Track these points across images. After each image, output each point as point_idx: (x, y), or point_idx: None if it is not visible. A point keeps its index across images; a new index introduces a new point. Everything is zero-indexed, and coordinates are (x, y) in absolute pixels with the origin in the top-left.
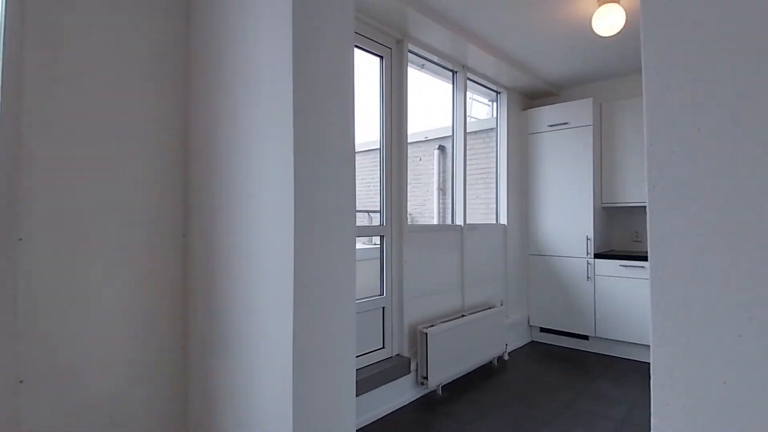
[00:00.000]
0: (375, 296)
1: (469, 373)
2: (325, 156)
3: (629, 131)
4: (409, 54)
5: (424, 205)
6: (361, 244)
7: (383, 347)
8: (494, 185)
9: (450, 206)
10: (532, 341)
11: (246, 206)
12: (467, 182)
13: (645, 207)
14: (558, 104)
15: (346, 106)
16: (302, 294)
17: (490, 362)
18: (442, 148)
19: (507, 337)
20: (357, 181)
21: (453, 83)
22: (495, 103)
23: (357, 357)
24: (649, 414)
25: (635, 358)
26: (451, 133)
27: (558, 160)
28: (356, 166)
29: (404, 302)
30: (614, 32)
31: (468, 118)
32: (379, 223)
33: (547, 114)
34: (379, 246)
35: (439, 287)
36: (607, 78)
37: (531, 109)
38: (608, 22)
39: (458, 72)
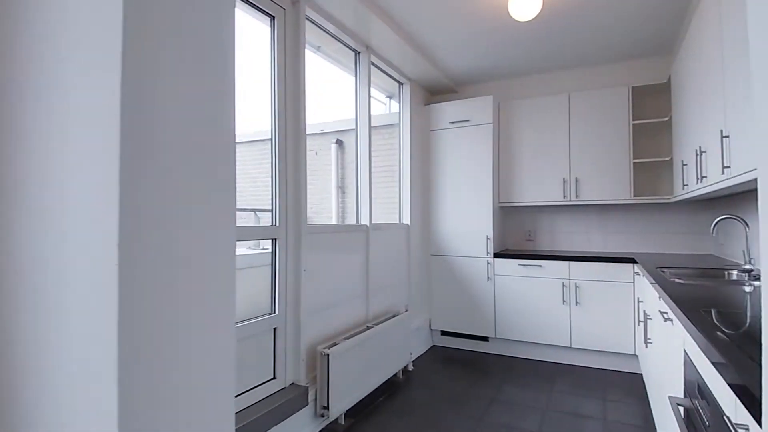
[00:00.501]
0: (264, 315)
1: (374, 392)
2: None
3: (525, 131)
4: (307, 29)
5: (321, 204)
6: (244, 249)
7: (274, 377)
8: (396, 183)
9: (350, 206)
10: (434, 346)
11: (39, 195)
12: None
13: (539, 207)
14: (460, 100)
15: (218, 74)
16: (135, 328)
17: (395, 375)
18: (340, 143)
19: (411, 344)
20: (241, 176)
21: (356, 66)
22: (396, 98)
23: (237, 396)
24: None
25: (534, 358)
26: (349, 127)
27: (459, 158)
28: (239, 158)
29: (302, 319)
30: (531, 16)
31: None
32: (270, 224)
33: (449, 110)
34: (270, 251)
35: (343, 297)
36: (505, 77)
37: (433, 105)
38: (525, 3)
39: (362, 53)
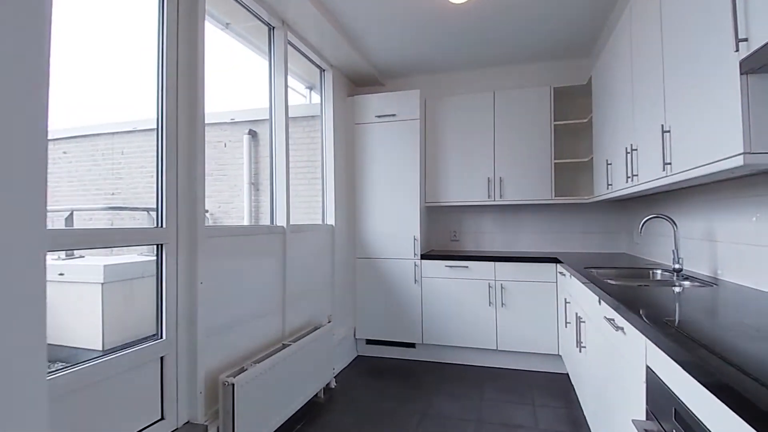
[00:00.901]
0: (146, 341)
1: (291, 419)
2: None
3: (452, 129)
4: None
5: (231, 203)
6: (134, 255)
7: (162, 418)
8: (319, 181)
9: (266, 204)
10: (359, 356)
11: None
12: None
13: (464, 207)
14: (386, 93)
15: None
16: None
17: (316, 396)
18: (253, 134)
19: (335, 358)
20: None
21: (270, 44)
22: (317, 89)
23: None
24: None
25: (462, 362)
26: (265, 117)
27: (387, 155)
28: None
29: (199, 343)
30: None
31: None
32: (155, 225)
33: (375, 102)
34: (155, 259)
35: (254, 312)
36: (432, 72)
37: (358, 96)
38: None
39: (276, 29)
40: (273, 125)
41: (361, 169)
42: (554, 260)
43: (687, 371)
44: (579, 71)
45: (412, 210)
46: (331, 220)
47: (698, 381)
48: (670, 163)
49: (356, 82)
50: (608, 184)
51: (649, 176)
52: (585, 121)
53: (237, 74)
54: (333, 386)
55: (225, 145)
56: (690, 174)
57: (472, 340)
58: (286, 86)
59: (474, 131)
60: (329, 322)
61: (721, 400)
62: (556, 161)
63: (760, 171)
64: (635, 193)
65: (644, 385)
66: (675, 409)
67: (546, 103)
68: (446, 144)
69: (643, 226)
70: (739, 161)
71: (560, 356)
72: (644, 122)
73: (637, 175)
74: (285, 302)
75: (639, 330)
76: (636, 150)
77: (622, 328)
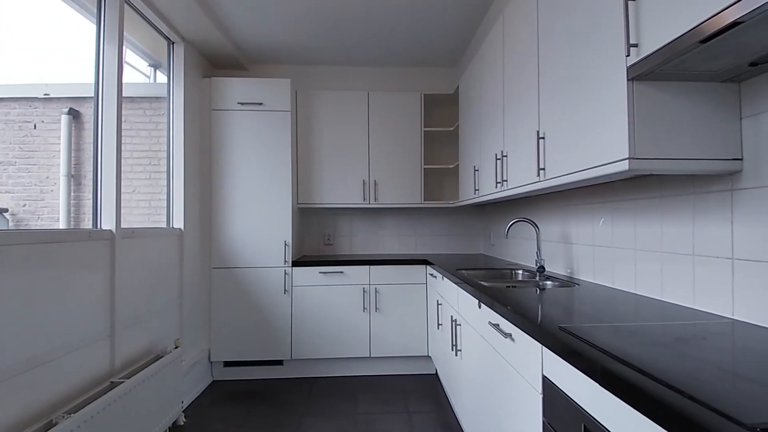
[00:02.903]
0: None
1: None
2: None
3: (326, 126)
4: None
5: (41, 200)
6: None
7: None
8: (164, 176)
9: (92, 202)
10: (214, 382)
11: None
12: (123, 168)
13: (337, 209)
14: (252, 78)
15: None
16: None
17: None
18: (75, 114)
19: (184, 389)
20: None
21: (100, 1)
22: (164, 69)
23: None
24: None
25: (335, 375)
26: (92, 93)
27: (252, 148)
28: None
29: None
30: None
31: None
32: None
33: (238, 87)
34: None
35: (67, 343)
36: (304, 63)
37: (217, 78)
38: None
39: None
40: (100, 103)
41: (220, 163)
42: (424, 262)
43: (602, 384)
44: (447, 80)
45: (283, 212)
46: (179, 224)
47: (616, 395)
48: (543, 169)
49: (215, 63)
50: (475, 189)
51: (521, 181)
52: (451, 129)
53: (56, 38)
54: (182, 423)
55: (35, 127)
56: (569, 178)
57: (345, 349)
58: (121, 54)
59: (349, 130)
60: (176, 347)
61: (644, 413)
62: (426, 166)
63: (641, 175)
64: (502, 198)
65: (540, 396)
66: (584, 426)
67: (417, 109)
68: (321, 141)
69: (509, 229)
70: (624, 166)
71: (429, 357)
72: (517, 129)
73: (506, 181)
74: (114, 328)
75: (533, 337)
76: (506, 156)
77: (510, 335)
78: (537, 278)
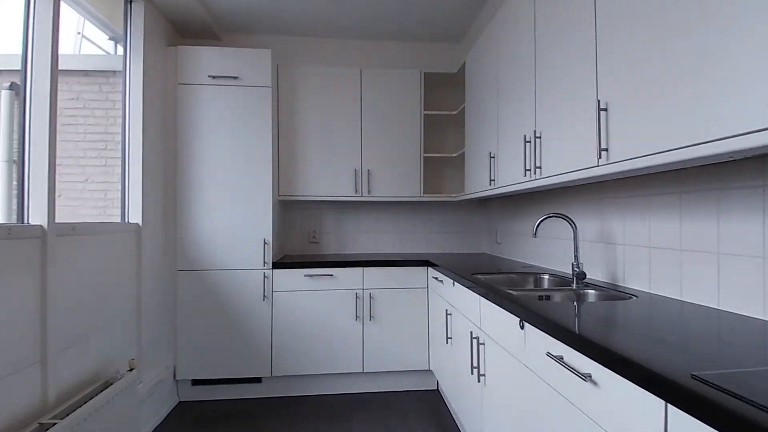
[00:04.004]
0: None
1: None
2: None
3: (312, 106)
4: None
5: None
6: None
7: None
8: (120, 162)
9: (17, 192)
10: (181, 403)
11: None
12: (75, 153)
13: (324, 202)
14: (227, 48)
15: None
16: None
17: None
18: (16, 89)
19: (142, 416)
20: None
21: None
22: (122, 41)
23: None
24: None
25: (324, 393)
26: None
27: (226, 130)
28: None
29: None
30: None
31: (73, 50)
32: None
33: (209, 58)
34: None
35: None
36: (288, 33)
37: (184, 47)
38: None
39: None
40: (29, 74)
41: (187, 146)
42: (426, 263)
43: None
44: (450, 58)
45: (263, 205)
46: (136, 218)
47: None
48: (606, 150)
49: (182, 31)
50: (491, 180)
51: (567, 167)
52: (454, 113)
53: None
54: None
55: None
56: (660, 159)
57: (335, 364)
58: (57, 12)
59: (339, 112)
60: (131, 369)
61: None
62: (426, 155)
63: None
64: (531, 188)
65: None
66: None
67: (416, 89)
68: (306, 124)
69: (537, 226)
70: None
71: (431, 371)
72: (559, 101)
73: (540, 168)
74: (47, 351)
75: (646, 388)
76: (539, 138)
77: (588, 376)
78: (574, 286)
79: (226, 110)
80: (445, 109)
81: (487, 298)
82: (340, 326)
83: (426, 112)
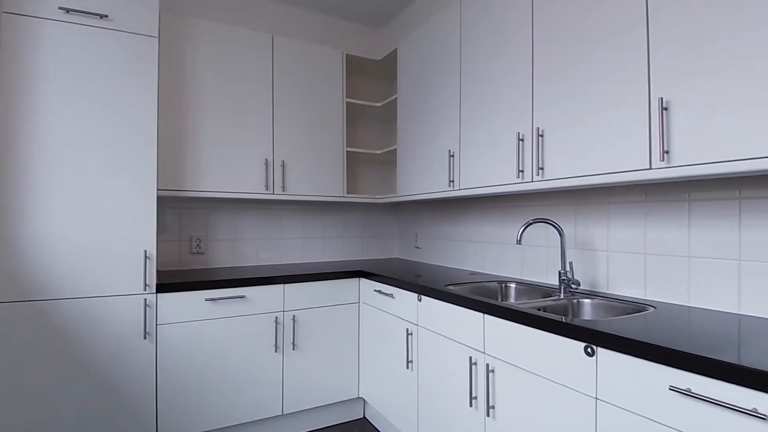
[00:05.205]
0: None
1: None
2: None
3: (210, 71)
4: None
5: None
6: None
7: None
8: None
9: None
10: None
11: None
12: None
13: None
14: None
15: None
16: None
17: None
18: None
19: None
20: None
21: None
22: None
23: None
24: None
25: None
26: None
27: (83, 92)
28: None
29: None
30: None
31: None
32: None
33: None
34: None
35: None
36: None
37: None
38: None
39: None
40: None
41: (14, 112)
42: (359, 274)
43: None
44: (374, 43)
45: (141, 204)
46: None
47: None
48: (668, 152)
49: None
50: (450, 181)
51: (603, 168)
52: (378, 105)
53: None
54: None
55: None
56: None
57: (248, 410)
58: None
59: (245, 86)
60: None
61: None
62: (349, 149)
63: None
64: (519, 191)
65: None
66: None
67: (338, 72)
68: (200, 96)
69: (522, 232)
70: None
71: (361, 398)
72: (580, 93)
73: (543, 168)
74: None
75: None
76: (542, 136)
77: (757, 413)
78: (562, 296)
79: (86, 63)
80: (366, 100)
81: (507, 318)
82: (255, 362)
83: (349, 100)
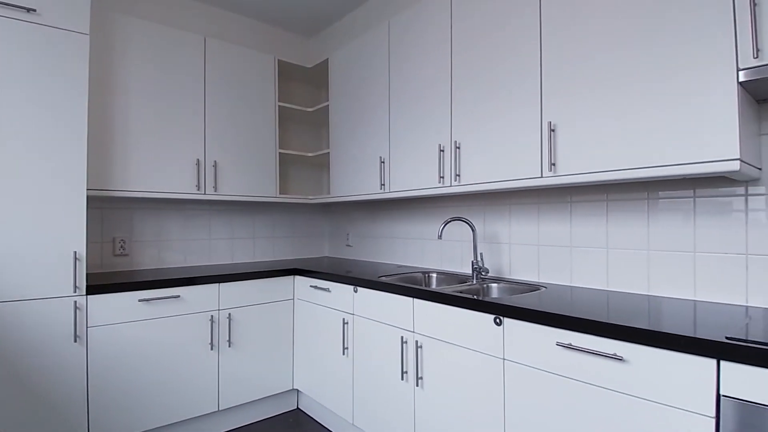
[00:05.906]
0: None
1: None
2: None
3: (142, 70)
4: None
5: None
6: None
7: None
8: None
9: None
10: None
11: None
12: None
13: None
14: None
15: None
16: None
17: None
18: None
19: None
20: None
21: None
22: None
23: None
24: None
25: None
26: None
27: (8, 86)
28: None
29: None
30: None
31: None
32: None
33: None
34: None
35: None
36: None
37: None
38: None
39: None
40: None
41: None
42: (293, 272)
43: None
44: (304, 51)
45: (70, 202)
46: None
47: None
48: (554, 164)
49: None
50: (381, 184)
51: (506, 176)
52: (310, 110)
53: None
54: None
55: None
56: (629, 174)
57: (183, 409)
58: None
59: (177, 87)
60: None
61: None
62: (281, 151)
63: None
64: (444, 194)
65: (713, 420)
66: None
67: (270, 76)
68: (131, 94)
69: (443, 228)
70: (734, 166)
71: (296, 390)
72: (494, 112)
73: (459, 175)
74: None
75: (694, 352)
76: (459, 148)
77: (618, 357)
78: (474, 281)
79: (13, 59)
80: (298, 104)
81: (433, 300)
82: (191, 360)
83: (281, 104)
